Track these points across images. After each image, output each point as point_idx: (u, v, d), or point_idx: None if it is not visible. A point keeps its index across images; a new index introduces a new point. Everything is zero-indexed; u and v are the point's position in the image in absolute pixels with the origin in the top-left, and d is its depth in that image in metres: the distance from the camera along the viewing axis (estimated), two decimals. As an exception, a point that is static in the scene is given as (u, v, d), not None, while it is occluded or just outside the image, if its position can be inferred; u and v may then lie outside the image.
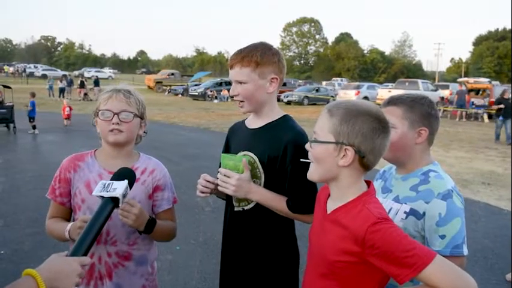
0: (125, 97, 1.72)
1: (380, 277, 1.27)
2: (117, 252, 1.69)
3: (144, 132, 1.83)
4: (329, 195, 1.40)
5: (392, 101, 1.64)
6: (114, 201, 1.29)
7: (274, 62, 1.73)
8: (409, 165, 1.62)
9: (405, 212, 1.54)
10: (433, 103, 1.64)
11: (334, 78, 41.87)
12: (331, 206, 1.36)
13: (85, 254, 1.23)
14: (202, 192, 1.76)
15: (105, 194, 1.27)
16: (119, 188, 1.27)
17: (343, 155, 1.27)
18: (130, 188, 1.31)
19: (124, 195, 1.28)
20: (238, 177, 1.65)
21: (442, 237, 1.46)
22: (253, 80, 1.70)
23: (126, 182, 1.30)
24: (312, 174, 1.35)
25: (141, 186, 1.73)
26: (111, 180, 1.32)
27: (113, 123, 1.68)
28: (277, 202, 1.68)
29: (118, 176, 1.34)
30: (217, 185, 1.72)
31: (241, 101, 1.75)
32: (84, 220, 1.52)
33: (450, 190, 1.50)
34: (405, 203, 1.55)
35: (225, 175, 1.68)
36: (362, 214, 1.24)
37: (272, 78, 1.73)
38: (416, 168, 1.61)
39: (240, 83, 1.72)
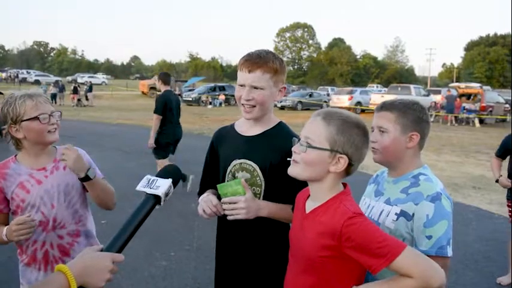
0: (46, 99, 1.90)
1: (358, 272, 1.36)
2: (68, 233, 1.92)
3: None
4: (308, 196, 1.48)
5: (385, 106, 1.69)
6: (156, 199, 1.28)
7: (285, 71, 1.78)
8: (400, 169, 1.67)
9: (396, 214, 1.59)
10: (425, 109, 1.70)
11: (321, 87, 42.24)
12: (310, 205, 1.44)
13: (120, 251, 1.20)
14: (209, 214, 1.72)
15: (148, 191, 1.27)
16: (162, 186, 1.28)
17: (336, 162, 1.37)
18: (175, 187, 1.33)
19: (167, 194, 1.29)
20: (244, 199, 1.62)
21: (429, 237, 1.51)
22: (270, 87, 1.71)
23: (170, 180, 1.30)
24: (298, 174, 1.42)
25: (70, 172, 1.89)
26: (156, 176, 1.32)
27: (52, 124, 1.86)
28: (284, 212, 1.70)
29: (165, 172, 1.35)
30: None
31: (253, 106, 1.72)
32: (18, 223, 1.75)
33: (439, 193, 1.55)
34: (396, 205, 1.61)
35: (230, 203, 1.64)
36: (339, 210, 1.33)
37: (282, 87, 1.77)
38: (406, 171, 1.66)
39: (256, 88, 1.70)
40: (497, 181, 3.82)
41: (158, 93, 6.79)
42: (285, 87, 1.78)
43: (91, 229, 2.04)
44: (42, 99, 1.86)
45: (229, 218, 1.66)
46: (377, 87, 43.39)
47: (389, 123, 1.63)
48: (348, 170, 1.40)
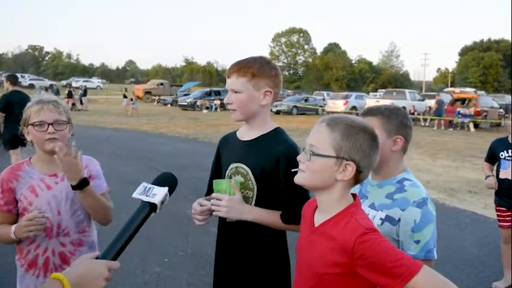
0: (55, 107, 1.87)
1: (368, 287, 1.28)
2: (71, 241, 1.91)
3: (72, 135, 1.98)
4: (316, 208, 1.41)
5: (370, 112, 1.74)
6: (152, 206, 1.26)
7: (271, 75, 1.77)
8: (384, 172, 1.71)
9: (381, 219, 1.63)
10: (407, 114, 1.79)
11: (316, 92, 42.31)
12: (319, 218, 1.37)
13: (115, 258, 1.19)
14: (201, 219, 1.79)
15: (144, 198, 1.26)
16: (159, 194, 1.26)
17: (343, 170, 1.30)
18: (170, 195, 1.32)
19: (163, 202, 1.27)
20: (228, 198, 1.67)
21: (417, 242, 1.56)
22: (248, 90, 1.74)
23: (166, 189, 1.29)
24: (304, 183, 1.36)
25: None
26: (152, 183, 1.31)
27: (49, 133, 1.83)
28: (271, 218, 1.71)
29: (161, 180, 1.33)
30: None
31: (234, 110, 1.79)
32: (29, 218, 1.75)
33: (425, 198, 1.61)
34: (381, 210, 1.65)
35: (216, 198, 1.70)
36: (350, 225, 1.26)
37: (266, 91, 1.76)
38: (391, 175, 1.71)
39: (235, 92, 1.76)
40: (486, 178, 3.94)
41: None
42: (270, 91, 1.76)
43: (94, 240, 2.03)
44: (49, 107, 1.85)
45: (214, 213, 1.74)
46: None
47: (375, 129, 1.66)
48: (357, 178, 1.32)
